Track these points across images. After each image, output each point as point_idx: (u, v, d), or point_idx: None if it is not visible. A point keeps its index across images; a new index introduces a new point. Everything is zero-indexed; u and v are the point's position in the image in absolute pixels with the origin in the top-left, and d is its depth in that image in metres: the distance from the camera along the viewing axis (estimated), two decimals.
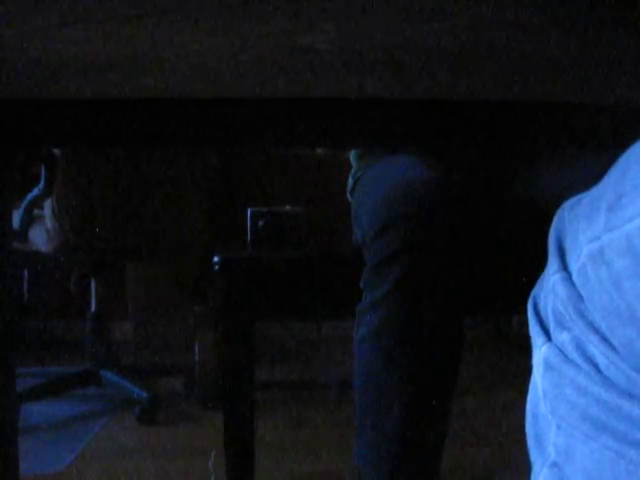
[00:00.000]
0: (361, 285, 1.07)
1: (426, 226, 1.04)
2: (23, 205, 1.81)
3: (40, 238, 1.88)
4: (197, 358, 2.08)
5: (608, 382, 0.32)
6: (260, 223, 1.27)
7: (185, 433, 1.87)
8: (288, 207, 1.30)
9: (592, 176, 0.40)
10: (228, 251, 1.24)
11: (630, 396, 0.31)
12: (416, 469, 1.06)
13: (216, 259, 1.21)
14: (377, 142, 1.00)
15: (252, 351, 1.23)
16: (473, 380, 2.17)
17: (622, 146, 0.35)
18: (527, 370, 0.40)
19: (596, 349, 0.33)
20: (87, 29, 0.54)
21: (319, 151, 2.24)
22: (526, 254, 0.98)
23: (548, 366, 0.35)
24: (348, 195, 1.35)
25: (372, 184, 1.20)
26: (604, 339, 0.33)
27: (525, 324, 0.39)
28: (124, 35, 0.56)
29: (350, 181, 1.34)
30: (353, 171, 1.33)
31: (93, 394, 2.12)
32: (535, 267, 0.45)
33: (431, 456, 1.07)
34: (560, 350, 0.35)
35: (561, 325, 0.35)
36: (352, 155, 1.35)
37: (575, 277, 0.34)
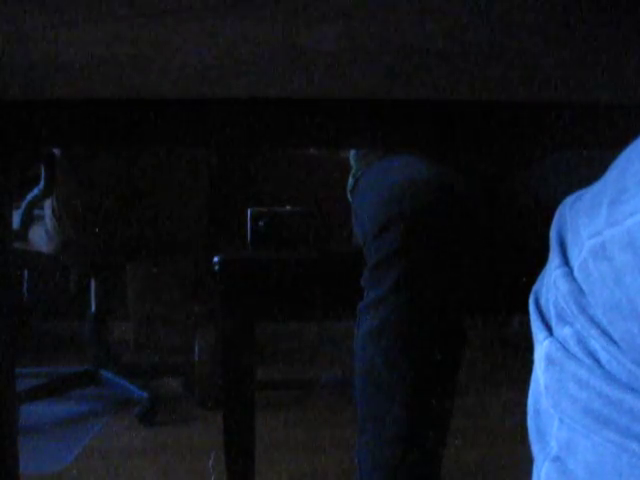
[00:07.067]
0: (362, 284, 1.08)
1: (426, 225, 1.04)
2: (23, 205, 1.81)
3: (40, 238, 1.88)
4: (197, 358, 2.08)
5: (610, 376, 0.32)
6: (260, 223, 1.26)
7: (185, 433, 1.87)
8: (288, 207, 1.30)
9: (592, 176, 0.40)
10: (228, 251, 1.24)
11: (632, 390, 0.31)
12: (417, 469, 1.06)
13: (216, 259, 1.21)
14: (377, 142, 1.00)
15: (252, 351, 1.23)
16: (473, 380, 2.17)
17: (622, 146, 0.35)
18: (527, 370, 0.40)
19: (597, 344, 0.33)
20: (87, 29, 0.54)
21: (319, 151, 2.24)
22: (526, 254, 0.98)
23: (550, 361, 0.35)
24: (348, 195, 1.35)
25: (372, 184, 1.20)
26: (605, 334, 0.33)
27: (525, 324, 0.39)
28: (124, 35, 0.56)
29: (350, 181, 1.34)
30: (353, 171, 1.33)
31: (93, 394, 2.12)
32: (535, 267, 0.45)
33: (432, 456, 1.07)
34: (562, 345, 0.35)
35: (563, 320, 0.35)
36: (352, 155, 1.35)
37: (576, 272, 0.35)
